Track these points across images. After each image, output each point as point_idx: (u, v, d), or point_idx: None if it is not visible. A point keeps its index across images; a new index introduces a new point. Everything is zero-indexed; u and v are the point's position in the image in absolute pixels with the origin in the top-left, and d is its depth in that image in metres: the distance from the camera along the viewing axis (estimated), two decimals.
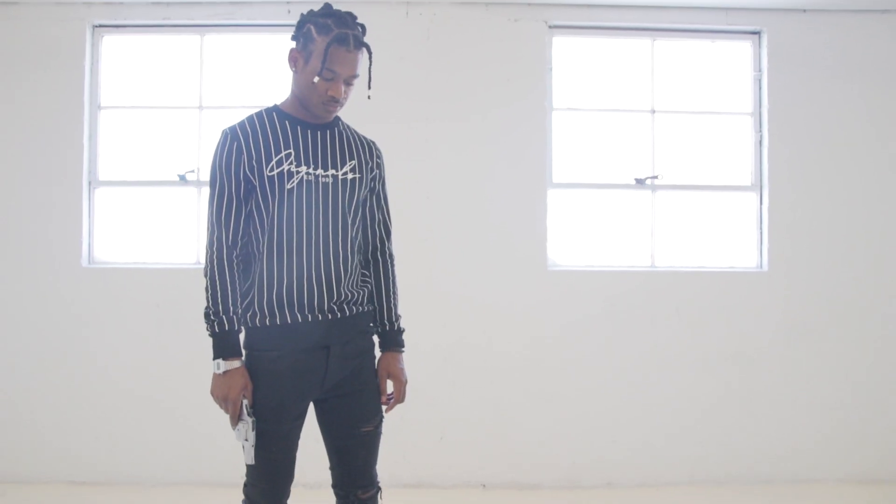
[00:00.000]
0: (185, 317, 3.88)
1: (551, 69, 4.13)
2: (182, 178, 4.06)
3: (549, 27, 4.10)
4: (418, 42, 4.03)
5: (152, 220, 4.13)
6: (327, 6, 1.97)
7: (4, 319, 3.94)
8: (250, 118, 2.00)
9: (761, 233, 4.16)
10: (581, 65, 4.24)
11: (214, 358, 1.92)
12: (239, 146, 1.94)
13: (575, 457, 3.99)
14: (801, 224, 4.11)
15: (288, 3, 3.97)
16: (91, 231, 4.07)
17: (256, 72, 4.15)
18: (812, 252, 4.10)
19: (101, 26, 4.07)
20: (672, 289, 4.07)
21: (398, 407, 2.19)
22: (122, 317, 3.94)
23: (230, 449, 3.73)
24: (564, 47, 4.21)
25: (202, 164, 4.05)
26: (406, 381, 2.15)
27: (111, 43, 4.13)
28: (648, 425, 4.02)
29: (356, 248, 2.07)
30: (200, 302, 3.81)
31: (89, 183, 4.05)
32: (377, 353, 2.16)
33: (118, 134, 4.15)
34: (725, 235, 4.24)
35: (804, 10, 4.07)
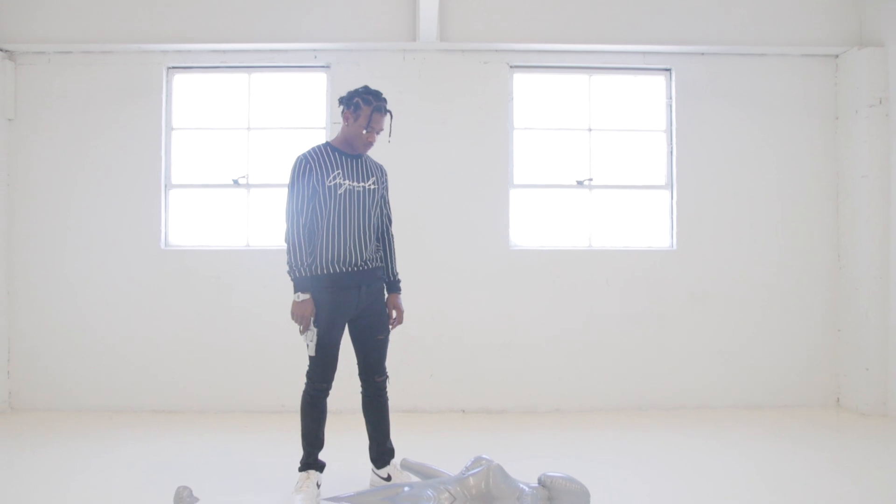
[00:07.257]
0: (238, 285, 5.01)
1: (512, 98, 5.16)
2: (235, 182, 5.10)
3: (511, 67, 5.14)
4: (412, 79, 5.04)
5: (213, 214, 5.14)
6: (366, 87, 3.20)
7: (104, 288, 5.01)
8: (315, 149, 3.19)
9: (672, 221, 5.18)
10: (535, 95, 5.20)
11: (294, 292, 3.11)
12: (309, 167, 3.14)
13: (532, 389, 5.03)
14: (701, 214, 5.14)
15: (314, 51, 5.05)
16: (167, 222, 5.11)
17: (291, 101, 5.14)
18: (710, 235, 5.14)
19: (173, 68, 5.14)
20: (604, 263, 5.09)
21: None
22: (191, 286, 5.02)
23: (278, 381, 4.86)
24: (522, 82, 5.20)
25: (251, 172, 5.13)
26: (403, 311, 3.37)
27: (181, 80, 5.19)
28: (586, 366, 5.07)
29: (373, 230, 3.27)
30: (250, 275, 5.11)
31: (165, 185, 5.10)
32: (385, 293, 3.37)
33: (187, 148, 5.16)
34: (645, 223, 5.21)
35: (703, 54, 5.15)
